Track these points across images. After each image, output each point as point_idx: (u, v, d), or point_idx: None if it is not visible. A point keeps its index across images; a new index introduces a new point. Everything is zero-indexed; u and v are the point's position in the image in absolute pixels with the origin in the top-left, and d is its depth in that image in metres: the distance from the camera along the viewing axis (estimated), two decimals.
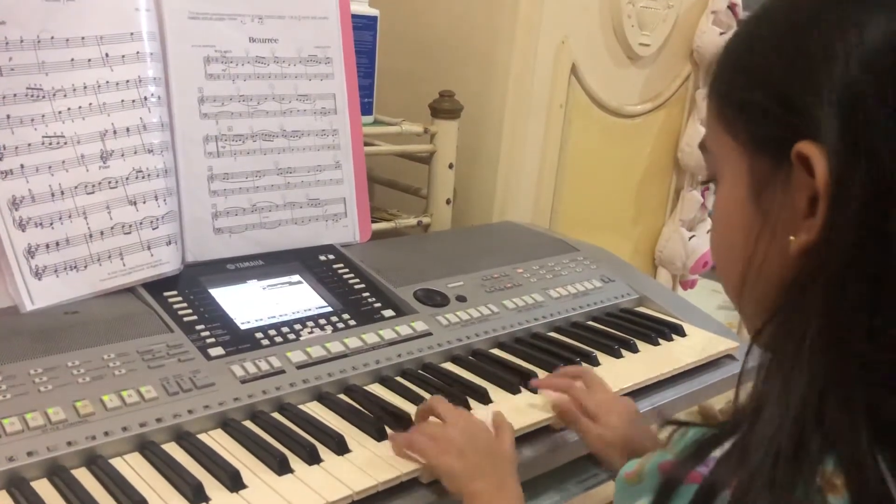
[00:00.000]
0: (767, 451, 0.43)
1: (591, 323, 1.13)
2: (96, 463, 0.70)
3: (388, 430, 0.80)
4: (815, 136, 0.45)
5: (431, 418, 0.80)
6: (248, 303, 0.96)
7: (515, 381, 0.92)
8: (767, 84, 0.49)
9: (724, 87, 0.54)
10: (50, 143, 0.88)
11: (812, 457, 0.43)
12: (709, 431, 0.49)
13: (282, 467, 0.73)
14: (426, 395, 0.87)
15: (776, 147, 0.48)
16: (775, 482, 0.43)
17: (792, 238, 0.48)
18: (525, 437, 0.84)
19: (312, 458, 0.74)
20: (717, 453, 0.47)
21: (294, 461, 0.74)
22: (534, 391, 0.91)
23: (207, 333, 0.88)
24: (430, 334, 0.98)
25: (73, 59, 0.90)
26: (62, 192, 0.89)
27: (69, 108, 0.89)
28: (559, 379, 0.90)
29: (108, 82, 0.92)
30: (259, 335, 0.90)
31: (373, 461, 0.76)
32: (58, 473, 0.68)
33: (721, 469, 0.45)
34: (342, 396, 0.87)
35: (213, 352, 0.85)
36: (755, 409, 0.46)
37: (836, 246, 0.45)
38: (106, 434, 0.72)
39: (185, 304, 0.92)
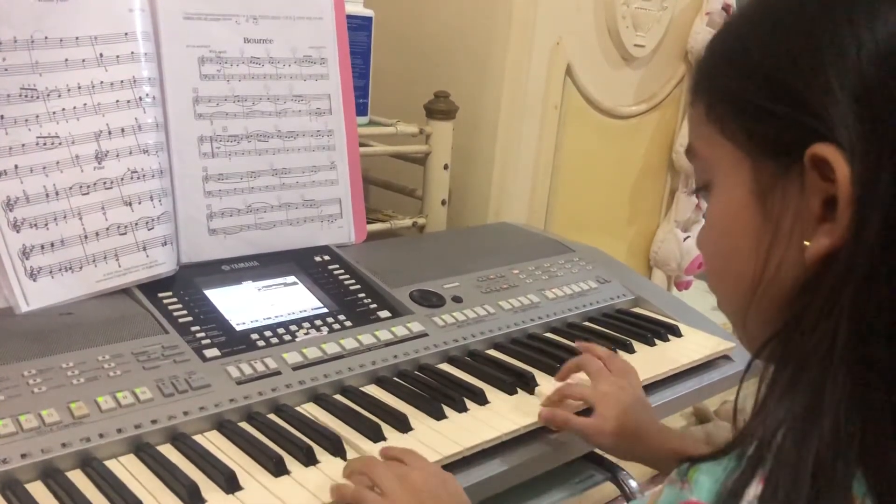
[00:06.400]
0: (802, 478, 0.41)
1: (587, 323, 1.13)
2: (91, 465, 0.70)
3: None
4: (831, 137, 0.43)
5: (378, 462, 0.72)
6: (243, 304, 0.95)
7: (512, 381, 0.92)
8: (771, 82, 0.47)
9: (717, 86, 0.51)
10: (44, 144, 0.88)
11: (844, 477, 0.41)
12: (730, 468, 0.44)
13: (278, 468, 0.72)
14: (423, 396, 0.87)
15: (784, 149, 0.46)
16: None
17: (807, 243, 0.45)
18: (523, 438, 0.84)
19: (309, 459, 0.74)
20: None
21: (290, 462, 0.74)
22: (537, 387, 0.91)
23: (203, 334, 0.87)
24: (426, 335, 0.98)
25: (67, 60, 0.90)
26: (57, 193, 0.88)
27: (63, 109, 0.89)
28: (556, 394, 0.88)
29: (102, 82, 0.92)
30: (254, 336, 0.90)
31: None
32: (52, 475, 0.68)
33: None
34: (338, 397, 0.86)
35: (209, 353, 0.85)
36: (773, 432, 0.43)
37: (864, 249, 0.43)
38: (100, 436, 0.72)
39: (180, 306, 0.91)
